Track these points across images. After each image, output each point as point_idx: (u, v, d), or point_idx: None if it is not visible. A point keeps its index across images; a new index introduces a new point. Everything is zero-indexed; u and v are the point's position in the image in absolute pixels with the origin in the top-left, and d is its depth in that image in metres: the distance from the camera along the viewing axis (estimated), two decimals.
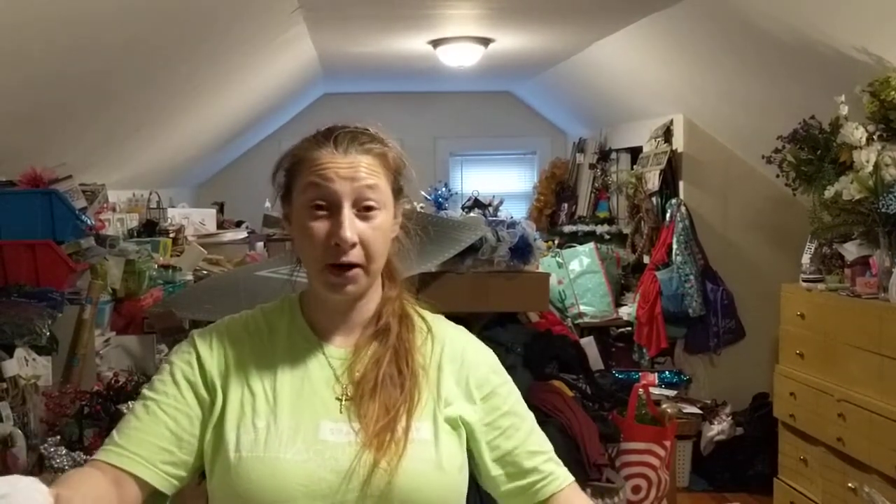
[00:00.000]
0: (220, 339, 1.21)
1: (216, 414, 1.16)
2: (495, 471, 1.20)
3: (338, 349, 1.20)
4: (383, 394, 1.15)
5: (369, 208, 1.15)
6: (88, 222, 2.87)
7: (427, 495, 1.11)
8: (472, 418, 1.20)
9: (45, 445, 2.07)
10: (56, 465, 1.98)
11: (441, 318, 1.30)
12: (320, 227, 1.14)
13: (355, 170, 1.15)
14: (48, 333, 2.47)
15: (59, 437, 2.12)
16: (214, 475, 1.14)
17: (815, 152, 3.29)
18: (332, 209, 1.14)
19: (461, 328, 1.30)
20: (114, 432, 1.16)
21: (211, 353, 1.19)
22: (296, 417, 1.13)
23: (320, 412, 1.14)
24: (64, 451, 2.04)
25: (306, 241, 1.16)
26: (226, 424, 1.14)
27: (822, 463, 3.48)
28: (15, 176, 2.81)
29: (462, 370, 1.22)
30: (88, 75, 2.75)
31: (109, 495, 1.07)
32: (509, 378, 1.27)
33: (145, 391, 1.19)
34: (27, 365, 2.38)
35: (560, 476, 1.22)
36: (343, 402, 1.15)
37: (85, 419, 2.32)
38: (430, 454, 1.13)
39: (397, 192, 1.22)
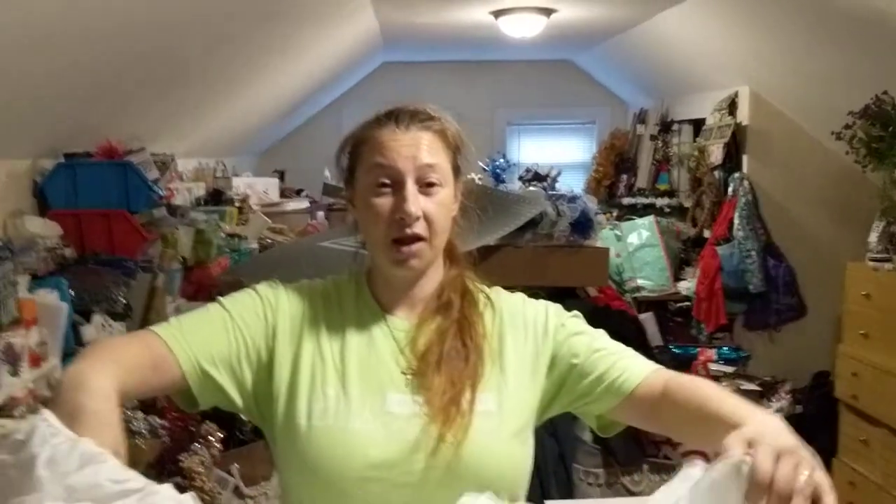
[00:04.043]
0: (300, 297, 1.24)
1: (282, 370, 1.18)
2: (584, 394, 1.21)
3: (402, 322, 1.23)
4: (448, 367, 1.17)
5: (431, 184, 1.18)
6: (160, 193, 2.96)
7: (492, 466, 1.13)
8: (543, 372, 1.22)
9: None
10: (134, 429, 2.07)
11: (498, 288, 1.32)
12: (385, 203, 1.17)
13: (417, 147, 1.18)
14: (123, 300, 2.57)
15: (136, 402, 2.22)
16: (282, 440, 1.17)
17: (887, 129, 3.21)
18: (396, 186, 1.17)
19: (518, 293, 1.32)
20: (176, 318, 1.19)
21: (293, 313, 1.22)
22: (363, 388, 1.16)
23: (387, 384, 1.17)
24: (141, 416, 2.14)
25: (371, 218, 1.18)
26: (298, 391, 1.16)
27: (884, 445, 3.44)
28: (91, 147, 2.91)
29: (525, 331, 1.24)
30: (159, 50, 2.82)
31: (142, 370, 1.08)
32: (574, 313, 1.29)
33: (225, 302, 1.21)
34: (104, 330, 2.49)
35: (638, 366, 1.20)
36: (408, 376, 1.18)
37: None
38: (495, 426, 1.15)
39: (456, 171, 1.25)
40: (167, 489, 0.83)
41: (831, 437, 3.90)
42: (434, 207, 1.18)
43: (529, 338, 1.24)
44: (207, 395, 1.16)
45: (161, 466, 1.96)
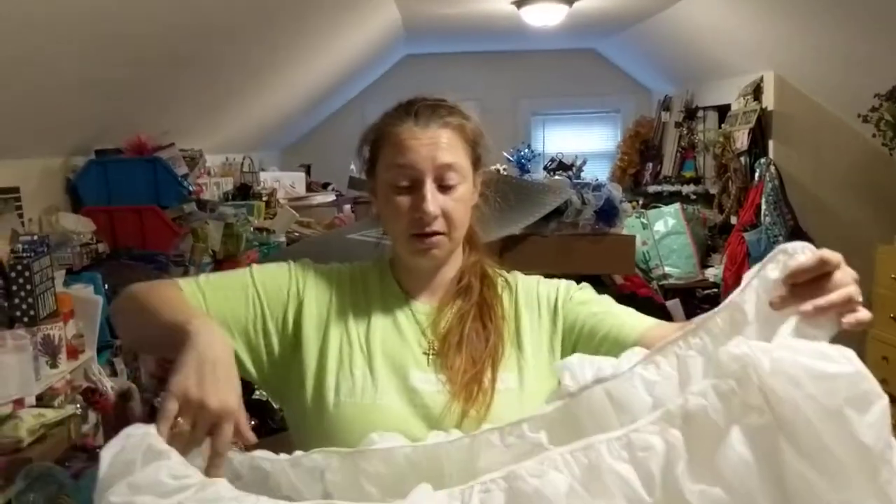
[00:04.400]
0: (329, 278, 1.28)
1: (310, 349, 1.21)
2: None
3: (423, 305, 1.27)
4: (469, 347, 1.21)
5: (450, 184, 1.21)
6: (190, 188, 3.01)
7: None
8: (559, 346, 1.25)
9: (158, 399, 2.22)
10: None
11: (516, 272, 1.35)
12: (404, 200, 1.20)
13: (436, 145, 1.20)
14: None
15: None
16: (310, 417, 1.20)
17: None
18: (415, 185, 1.20)
19: (535, 276, 1.35)
20: (204, 275, 1.24)
21: (320, 293, 1.25)
22: (388, 367, 1.20)
23: (410, 363, 1.21)
24: None
25: (392, 214, 1.22)
26: (327, 369, 1.19)
27: None
28: (121, 144, 2.96)
29: (539, 310, 1.28)
30: (187, 49, 2.87)
31: None
32: (583, 284, 1.32)
33: (255, 269, 1.25)
34: None
35: (640, 320, 1.23)
36: (430, 356, 1.22)
37: None
38: (516, 402, 1.18)
39: (476, 162, 1.27)
40: (223, 483, 0.85)
41: None
42: (452, 204, 1.21)
43: (545, 316, 1.28)
44: None
45: None
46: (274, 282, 1.24)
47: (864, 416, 0.77)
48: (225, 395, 0.92)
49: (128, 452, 0.83)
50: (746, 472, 0.80)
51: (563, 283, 1.32)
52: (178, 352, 0.95)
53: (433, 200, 1.18)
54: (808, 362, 0.78)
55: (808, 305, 0.88)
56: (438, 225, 1.20)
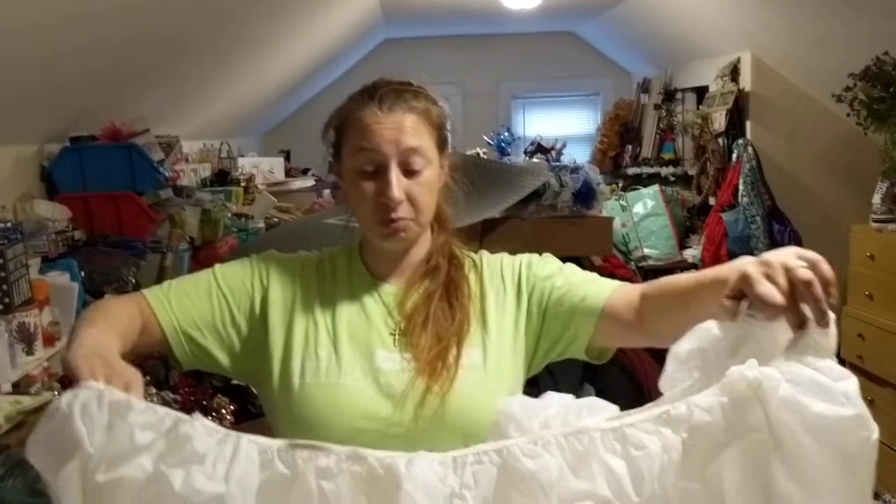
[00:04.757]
0: (293, 267, 1.30)
1: (277, 335, 1.23)
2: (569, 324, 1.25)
3: (391, 286, 1.29)
4: (435, 325, 1.22)
5: (415, 169, 1.21)
6: (166, 174, 3.00)
7: (479, 416, 1.16)
8: (524, 320, 1.27)
9: None
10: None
11: (483, 252, 1.37)
12: (370, 186, 1.21)
13: (400, 130, 1.20)
14: (133, 280, 2.62)
15: (147, 378, 2.27)
16: (278, 399, 1.22)
17: (888, 90, 3.21)
18: (380, 170, 1.20)
19: (500, 254, 1.36)
20: (168, 282, 1.26)
21: (284, 281, 1.27)
22: (353, 348, 1.22)
23: (376, 343, 1.23)
24: (154, 391, 2.19)
25: (358, 199, 1.23)
26: (292, 353, 1.22)
27: (890, 403, 3.47)
28: (96, 131, 2.94)
29: (504, 286, 1.29)
30: (160, 32, 2.85)
31: (133, 333, 1.15)
32: (546, 255, 1.33)
33: (217, 268, 1.28)
34: None
35: (606, 284, 1.25)
36: (396, 336, 1.24)
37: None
38: (480, 377, 1.20)
39: (441, 146, 1.28)
40: (199, 419, 0.86)
41: None
42: (418, 189, 1.22)
43: (509, 292, 1.29)
44: (191, 357, 1.23)
45: None
46: (236, 277, 1.26)
47: (857, 456, 0.82)
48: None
49: (95, 422, 0.83)
50: (734, 485, 0.84)
51: (526, 258, 1.32)
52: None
53: (398, 186, 1.19)
54: (812, 401, 0.82)
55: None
56: (404, 210, 1.21)
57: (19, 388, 1.87)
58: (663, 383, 0.97)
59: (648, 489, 0.84)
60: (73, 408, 0.83)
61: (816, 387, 0.83)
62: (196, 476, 0.82)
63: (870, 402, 3.18)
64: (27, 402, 1.83)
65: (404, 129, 1.20)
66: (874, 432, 0.82)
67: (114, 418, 0.84)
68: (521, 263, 1.32)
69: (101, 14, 2.34)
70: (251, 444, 0.86)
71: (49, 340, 2.04)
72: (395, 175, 1.19)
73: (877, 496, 2.11)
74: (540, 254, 1.35)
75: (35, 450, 0.85)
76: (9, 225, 2.05)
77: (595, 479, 0.84)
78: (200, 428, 0.85)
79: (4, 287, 1.90)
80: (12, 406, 1.76)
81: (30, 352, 1.93)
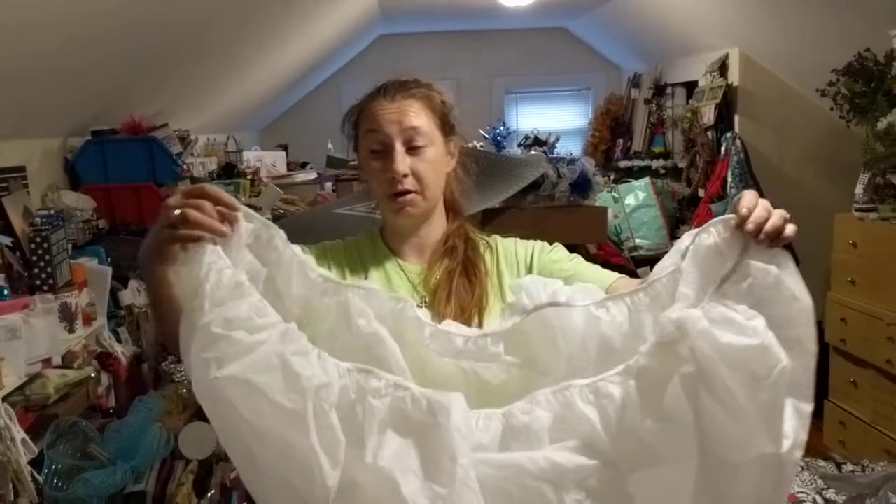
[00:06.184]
0: (326, 255, 1.45)
1: None
2: None
3: (413, 266, 1.45)
4: (457, 298, 1.38)
5: (417, 145, 1.38)
6: (184, 166, 3.12)
7: None
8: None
9: (165, 363, 2.36)
10: (176, 380, 2.26)
11: (496, 235, 1.53)
12: (378, 164, 1.39)
13: (402, 113, 1.37)
14: None
15: (174, 356, 2.41)
16: None
17: (870, 85, 3.36)
18: (387, 148, 1.38)
19: (513, 237, 1.53)
20: None
21: (319, 262, 1.39)
22: None
23: None
24: (181, 368, 2.33)
25: (371, 177, 1.41)
26: None
27: (872, 385, 3.63)
28: (115, 125, 3.06)
29: (517, 266, 1.45)
30: (169, 34, 2.97)
31: None
32: (556, 245, 1.49)
33: None
34: (140, 295, 2.67)
35: (605, 275, 1.41)
36: (423, 308, 1.36)
37: None
38: None
39: (446, 130, 1.45)
40: (294, 328, 1.02)
41: (825, 381, 4.10)
42: (422, 164, 1.38)
43: (522, 272, 1.45)
44: None
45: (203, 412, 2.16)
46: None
47: (764, 379, 0.97)
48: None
49: (217, 287, 1.01)
50: (683, 410, 1.01)
51: (539, 244, 1.49)
52: (153, 270, 1.13)
53: (402, 161, 1.36)
54: (723, 334, 0.99)
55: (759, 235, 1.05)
56: (409, 183, 1.37)
57: (63, 363, 2.00)
58: (658, 267, 1.18)
59: (615, 430, 1.02)
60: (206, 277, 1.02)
61: (729, 322, 1.00)
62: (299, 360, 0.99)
63: (852, 384, 3.36)
64: (72, 375, 1.97)
65: (407, 112, 1.38)
66: (782, 361, 0.98)
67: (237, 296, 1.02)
68: (534, 248, 1.48)
69: (120, 19, 2.46)
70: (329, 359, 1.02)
71: (87, 320, 2.17)
72: (399, 151, 1.36)
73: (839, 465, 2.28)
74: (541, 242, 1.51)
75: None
76: (52, 212, 2.18)
77: (575, 426, 1.03)
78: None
79: (49, 270, 2.04)
80: (60, 378, 1.90)
81: (71, 330, 2.06)
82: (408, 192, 1.37)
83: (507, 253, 1.47)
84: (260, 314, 1.01)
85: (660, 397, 1.02)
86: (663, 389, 1.01)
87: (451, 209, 1.49)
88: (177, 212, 1.06)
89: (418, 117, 1.38)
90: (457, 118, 1.48)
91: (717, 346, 0.98)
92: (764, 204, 1.07)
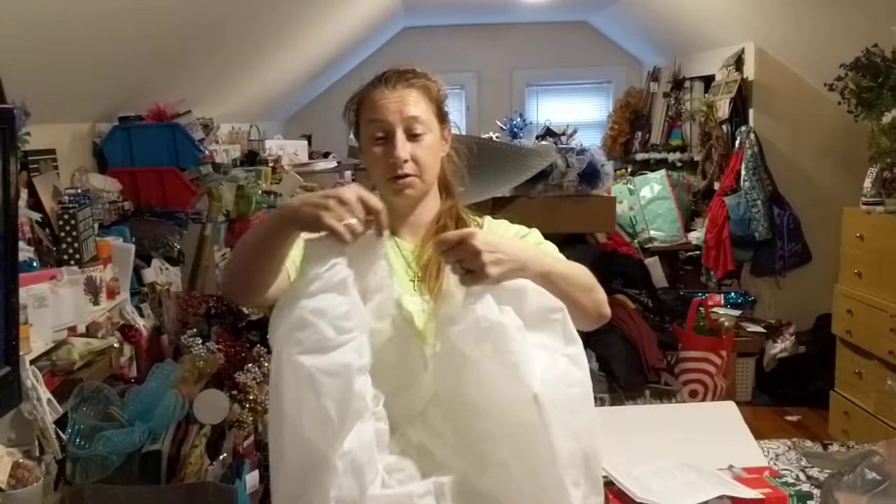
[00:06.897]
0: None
1: None
2: None
3: (408, 244, 1.55)
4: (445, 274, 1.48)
5: (417, 132, 1.49)
6: (206, 152, 3.26)
7: None
8: None
9: (184, 337, 2.49)
10: (195, 353, 2.39)
11: (486, 216, 1.64)
12: (380, 150, 1.48)
13: (403, 102, 1.47)
14: (177, 247, 2.89)
15: (194, 330, 2.54)
16: None
17: (877, 80, 3.41)
18: (388, 135, 1.47)
19: (503, 220, 1.63)
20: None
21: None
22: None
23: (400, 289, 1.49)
24: (200, 342, 2.46)
25: (372, 162, 1.50)
26: None
27: (876, 376, 3.69)
28: (142, 111, 3.21)
29: None
30: (198, 23, 3.10)
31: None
32: (532, 230, 1.60)
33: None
34: (162, 273, 2.81)
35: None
36: (415, 283, 1.50)
37: (211, 318, 2.74)
38: None
39: (441, 118, 1.56)
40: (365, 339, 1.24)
41: (832, 374, 4.15)
42: (420, 150, 1.49)
43: None
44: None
45: (219, 381, 2.29)
46: (297, 247, 1.49)
47: (483, 346, 1.23)
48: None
49: (325, 277, 1.19)
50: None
51: (524, 229, 1.60)
52: (283, 224, 1.28)
53: (403, 147, 1.46)
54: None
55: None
56: (409, 168, 1.48)
57: (88, 332, 2.14)
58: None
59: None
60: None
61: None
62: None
63: (857, 375, 3.44)
64: (96, 343, 2.11)
65: (407, 101, 1.49)
66: (501, 326, 1.23)
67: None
68: (515, 231, 1.59)
69: (150, 6, 2.60)
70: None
71: (111, 294, 2.31)
72: (400, 139, 1.47)
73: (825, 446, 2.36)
74: (544, 231, 1.62)
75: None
76: (79, 191, 2.32)
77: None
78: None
79: (76, 245, 2.18)
80: (85, 346, 2.04)
81: (96, 302, 2.20)
82: (407, 175, 1.48)
83: (494, 232, 1.57)
84: (349, 316, 1.18)
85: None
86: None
87: (445, 190, 1.60)
88: (349, 219, 1.21)
89: (417, 106, 1.49)
90: (450, 106, 1.59)
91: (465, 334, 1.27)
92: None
